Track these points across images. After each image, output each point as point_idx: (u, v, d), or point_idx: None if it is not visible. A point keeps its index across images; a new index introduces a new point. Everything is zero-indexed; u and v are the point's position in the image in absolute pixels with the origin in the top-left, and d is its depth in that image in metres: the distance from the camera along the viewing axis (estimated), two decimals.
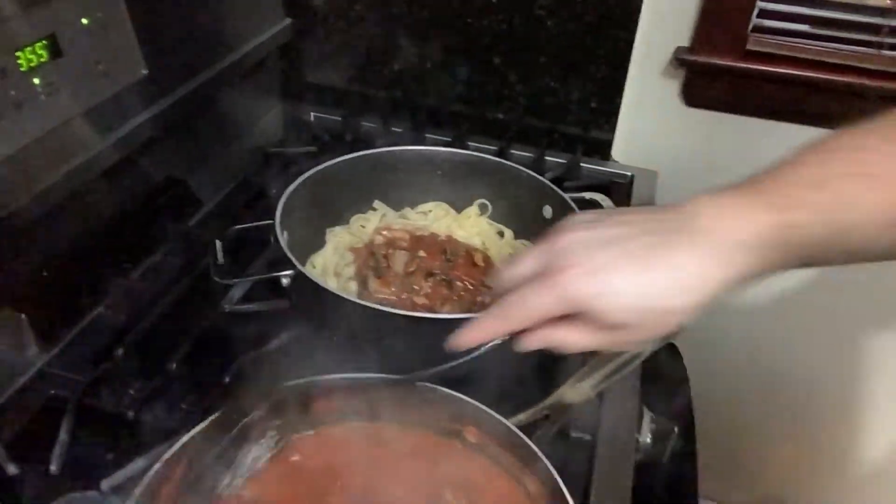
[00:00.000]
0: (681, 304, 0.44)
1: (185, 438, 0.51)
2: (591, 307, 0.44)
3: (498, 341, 0.48)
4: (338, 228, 0.84)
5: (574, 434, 0.67)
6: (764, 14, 0.99)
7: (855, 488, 1.41)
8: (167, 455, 0.50)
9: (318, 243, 0.82)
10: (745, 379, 1.33)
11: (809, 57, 0.99)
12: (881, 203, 0.45)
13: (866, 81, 0.96)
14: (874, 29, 0.97)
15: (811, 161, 0.47)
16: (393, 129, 1.08)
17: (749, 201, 0.45)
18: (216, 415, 0.53)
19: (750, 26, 0.99)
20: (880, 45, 0.98)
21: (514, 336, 0.48)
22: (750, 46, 1.00)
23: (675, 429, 0.71)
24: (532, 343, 0.48)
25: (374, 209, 0.88)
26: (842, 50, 0.99)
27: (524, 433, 0.53)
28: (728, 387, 1.33)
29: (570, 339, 0.47)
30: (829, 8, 0.98)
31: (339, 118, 1.10)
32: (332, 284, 0.74)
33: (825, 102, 1.00)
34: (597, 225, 0.46)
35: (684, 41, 1.02)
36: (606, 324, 0.45)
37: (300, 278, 0.67)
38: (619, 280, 0.43)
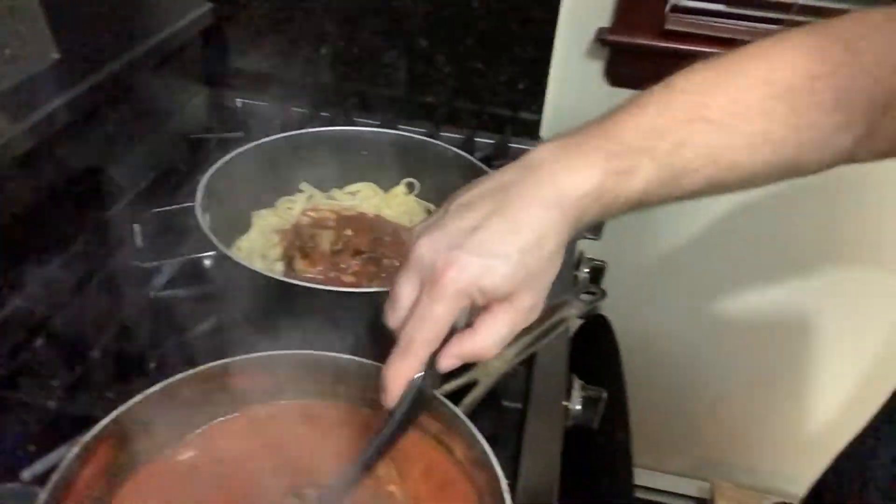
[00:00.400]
0: (549, 251, 0.47)
1: (105, 421, 0.50)
2: (481, 287, 0.45)
3: (419, 377, 0.48)
4: (264, 211, 0.84)
5: (504, 402, 0.68)
6: None
7: (792, 451, 1.46)
8: (86, 438, 0.49)
9: (245, 226, 0.81)
10: (677, 346, 1.37)
11: (725, 35, 1.02)
12: (717, 148, 0.48)
13: None
14: (784, 7, 1.01)
15: (653, 105, 0.49)
16: (322, 114, 1.07)
17: (588, 150, 0.47)
18: (138, 397, 0.52)
19: (667, 6, 1.02)
20: (792, 24, 1.01)
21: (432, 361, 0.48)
22: (668, 26, 1.02)
23: (605, 395, 0.73)
24: (448, 361, 0.48)
25: (301, 191, 0.87)
26: (755, 28, 1.02)
27: (451, 401, 0.54)
28: (660, 355, 1.36)
29: (480, 337, 0.48)
30: None
31: (267, 104, 1.09)
32: (257, 265, 0.73)
33: None
34: (445, 220, 0.47)
35: (606, 21, 1.04)
36: (500, 297, 0.46)
37: (223, 260, 0.66)
38: (491, 254, 0.45)
